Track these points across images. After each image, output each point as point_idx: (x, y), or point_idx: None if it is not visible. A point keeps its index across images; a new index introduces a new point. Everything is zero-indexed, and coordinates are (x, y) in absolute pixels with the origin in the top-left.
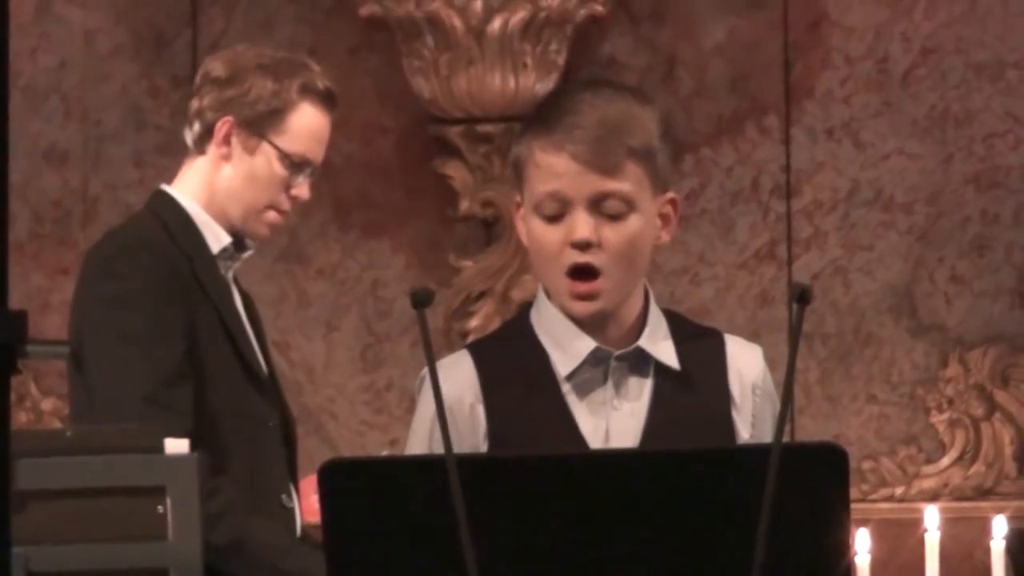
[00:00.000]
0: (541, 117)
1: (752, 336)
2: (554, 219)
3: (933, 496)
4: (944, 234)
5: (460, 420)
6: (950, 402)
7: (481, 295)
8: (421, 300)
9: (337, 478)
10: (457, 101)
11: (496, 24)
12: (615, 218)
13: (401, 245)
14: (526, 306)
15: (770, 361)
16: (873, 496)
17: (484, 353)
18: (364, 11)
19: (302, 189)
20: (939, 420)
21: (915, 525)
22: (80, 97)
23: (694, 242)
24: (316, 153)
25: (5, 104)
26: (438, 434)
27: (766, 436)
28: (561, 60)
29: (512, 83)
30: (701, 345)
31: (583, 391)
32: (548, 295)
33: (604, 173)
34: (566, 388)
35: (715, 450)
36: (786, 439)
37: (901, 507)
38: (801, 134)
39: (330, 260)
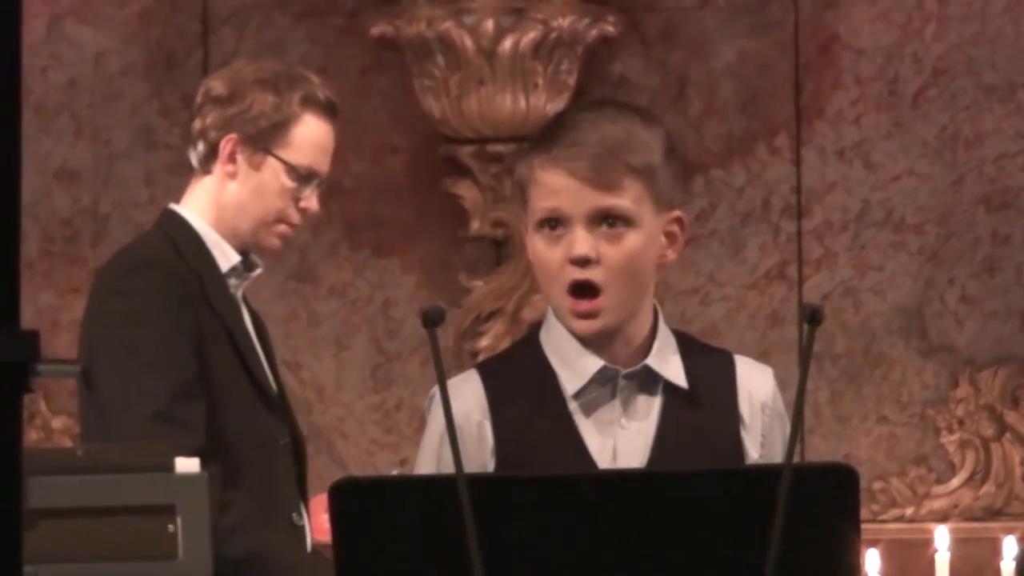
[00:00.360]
0: (543, 136)
1: (762, 356)
2: (554, 236)
3: (943, 517)
4: (954, 255)
5: (467, 437)
6: (960, 423)
7: (491, 315)
8: (432, 319)
9: (348, 497)
10: (468, 121)
11: (507, 44)
12: (614, 235)
13: (411, 265)
14: (536, 326)
15: (780, 381)
16: (883, 516)
17: (492, 372)
18: (375, 31)
19: (311, 201)
20: (949, 440)
21: (925, 546)
22: (91, 116)
23: (704, 262)
24: (321, 164)
25: (18, 123)
26: (446, 452)
27: (776, 456)
28: (572, 80)
29: (523, 103)
30: (711, 365)
31: (591, 409)
32: (556, 314)
33: (602, 189)
34: (573, 407)
35: (726, 470)
36: (796, 459)
37: (911, 527)
38: (812, 155)
39: (340, 279)
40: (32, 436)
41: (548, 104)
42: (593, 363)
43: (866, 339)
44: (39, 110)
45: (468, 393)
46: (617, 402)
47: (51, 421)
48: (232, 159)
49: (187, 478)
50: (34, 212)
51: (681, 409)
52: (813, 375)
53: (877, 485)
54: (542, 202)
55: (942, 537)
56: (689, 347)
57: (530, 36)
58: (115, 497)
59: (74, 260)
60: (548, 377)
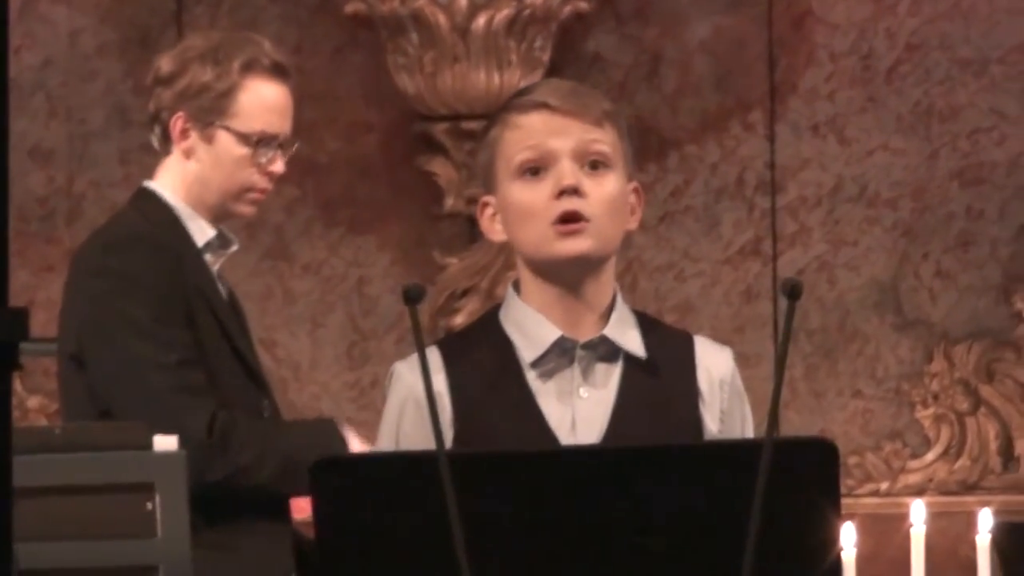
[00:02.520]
0: (508, 101)
1: (737, 332)
2: (536, 181)
3: (918, 491)
4: (929, 229)
5: (426, 410)
6: (935, 397)
7: (466, 292)
8: (413, 296)
9: (328, 475)
10: (442, 98)
11: (481, 21)
12: (598, 175)
13: (386, 242)
14: (495, 305)
15: (755, 356)
16: (859, 491)
17: (451, 346)
18: (349, 9)
19: (276, 163)
20: (924, 415)
21: (901, 520)
22: (65, 95)
23: (679, 238)
24: (276, 125)
25: (5, 102)
26: (405, 426)
27: (735, 434)
28: (546, 57)
29: (497, 80)
30: (670, 341)
31: (549, 379)
32: (517, 290)
33: (587, 122)
34: (532, 376)
35: (707, 445)
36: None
37: (887, 502)
38: (786, 130)
39: (315, 257)
40: None
41: (522, 81)
42: (551, 332)
43: (841, 314)
44: (13, 90)
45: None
46: (576, 372)
47: (26, 400)
48: (185, 136)
49: (165, 456)
50: (9, 191)
51: (640, 380)
52: (789, 350)
53: (852, 460)
54: (523, 143)
55: (918, 511)
56: (648, 324)
57: (504, 13)
58: (93, 475)
59: (49, 239)
60: (506, 349)
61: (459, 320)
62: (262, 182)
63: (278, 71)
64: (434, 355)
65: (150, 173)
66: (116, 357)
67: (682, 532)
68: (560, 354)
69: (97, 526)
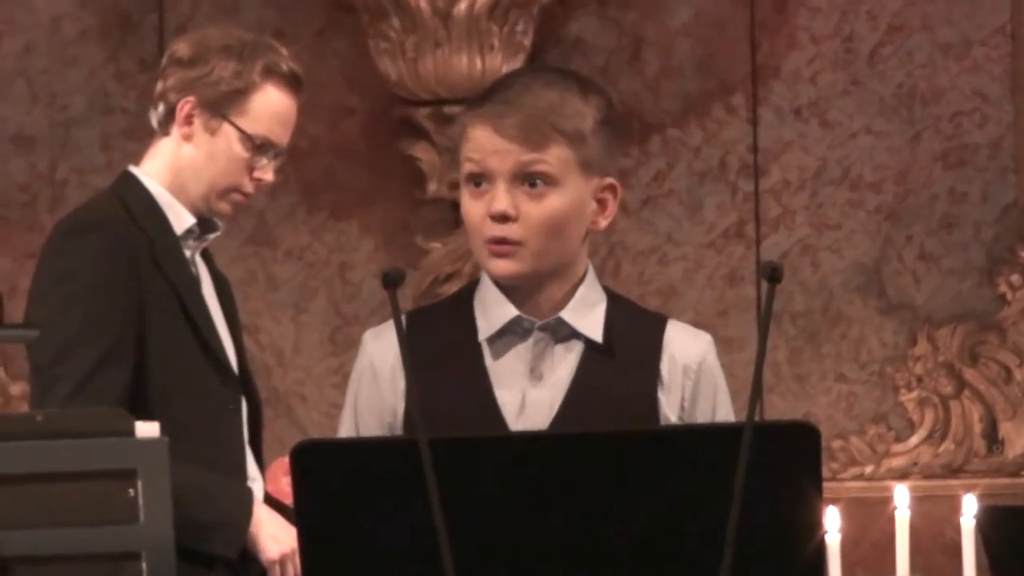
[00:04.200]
0: (480, 96)
1: (720, 316)
2: (479, 192)
3: (903, 475)
4: (912, 212)
5: (382, 381)
6: (919, 380)
7: (449, 277)
8: (392, 280)
9: (309, 459)
10: (424, 83)
11: (463, 6)
12: (536, 194)
13: (369, 227)
14: (474, 282)
15: (739, 340)
16: (843, 475)
17: (417, 318)
18: None
19: (266, 172)
20: (908, 398)
21: (885, 503)
22: (47, 82)
23: (662, 222)
24: (279, 135)
25: None
26: (362, 394)
27: (701, 419)
28: (528, 41)
29: (479, 64)
30: (638, 326)
31: (503, 360)
32: (480, 265)
33: (525, 147)
34: (487, 357)
35: (688, 428)
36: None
37: (871, 486)
38: (768, 114)
39: (298, 242)
40: None
41: (504, 65)
42: (508, 311)
43: (824, 297)
44: None
45: (389, 339)
46: (531, 354)
47: (9, 387)
48: (189, 121)
49: (148, 442)
50: None
51: (596, 365)
52: (772, 334)
53: (836, 443)
54: (469, 156)
55: (902, 495)
56: (621, 308)
57: None
58: (75, 462)
59: (31, 226)
60: (468, 327)
61: None
62: (248, 187)
63: (295, 83)
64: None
65: (132, 159)
66: (44, 343)
67: (664, 517)
68: (518, 335)
69: (79, 513)
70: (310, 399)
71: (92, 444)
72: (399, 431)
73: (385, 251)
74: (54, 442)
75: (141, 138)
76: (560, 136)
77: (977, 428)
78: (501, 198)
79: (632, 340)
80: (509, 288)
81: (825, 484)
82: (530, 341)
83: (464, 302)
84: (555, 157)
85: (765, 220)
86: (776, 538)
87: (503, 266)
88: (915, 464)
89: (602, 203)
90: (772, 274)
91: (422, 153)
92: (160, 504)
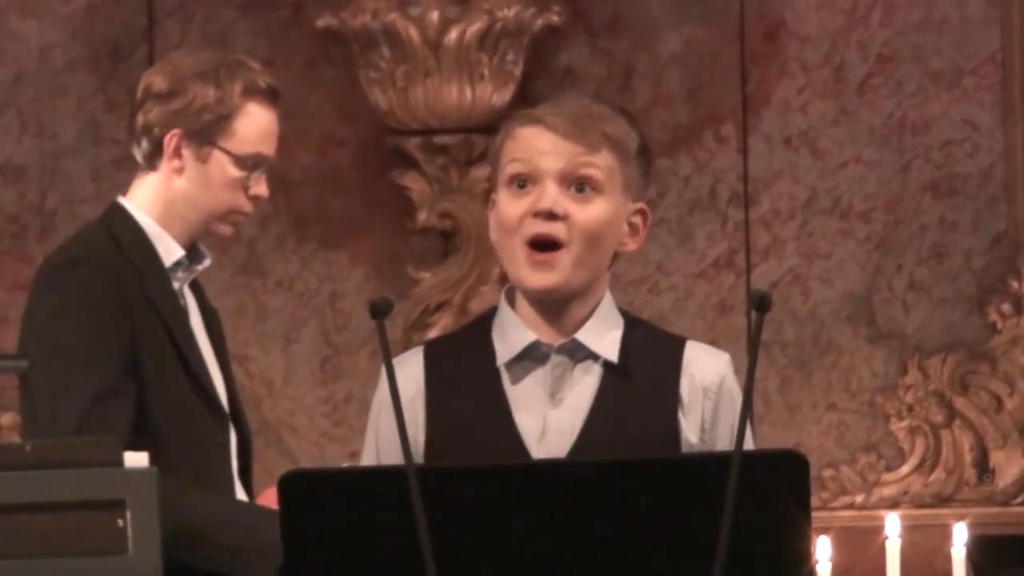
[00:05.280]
0: (522, 109)
1: (711, 345)
2: (521, 193)
3: (893, 504)
4: (902, 241)
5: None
6: (910, 409)
7: (439, 306)
8: (380, 310)
9: (297, 489)
10: (414, 113)
11: (452, 35)
12: (584, 198)
13: (359, 257)
14: (491, 308)
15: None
16: (833, 504)
17: (436, 349)
18: (320, 23)
19: (260, 187)
20: (899, 427)
21: (876, 533)
22: (36, 112)
23: (652, 251)
24: (268, 148)
25: None
26: (382, 426)
27: (720, 441)
28: (518, 71)
29: (469, 94)
30: (657, 347)
31: (523, 385)
32: (510, 295)
33: (580, 146)
34: (506, 382)
35: (675, 458)
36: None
37: (862, 515)
38: (758, 143)
39: (288, 272)
40: None
41: (494, 95)
42: (525, 336)
43: (815, 327)
44: None
45: (408, 370)
46: (550, 378)
47: None
48: (178, 154)
49: (137, 473)
50: None
51: (617, 387)
52: (762, 363)
53: (827, 472)
54: (516, 155)
55: (893, 524)
56: (639, 330)
57: (475, 27)
58: (64, 492)
59: (21, 256)
60: (487, 353)
61: (432, 335)
62: (247, 205)
63: (272, 95)
64: (417, 356)
65: (122, 189)
66: (40, 379)
67: (652, 546)
68: (537, 359)
69: (68, 543)
70: (300, 429)
71: (80, 474)
72: (421, 460)
73: (376, 281)
74: (43, 472)
75: (131, 168)
76: (610, 143)
77: (968, 457)
78: (550, 195)
79: (650, 361)
80: (526, 311)
81: (816, 513)
82: (548, 366)
83: (482, 329)
84: (605, 163)
85: (755, 249)
86: (765, 567)
87: (541, 279)
88: (906, 493)
89: (633, 227)
90: (760, 303)
91: (412, 183)
92: (148, 535)
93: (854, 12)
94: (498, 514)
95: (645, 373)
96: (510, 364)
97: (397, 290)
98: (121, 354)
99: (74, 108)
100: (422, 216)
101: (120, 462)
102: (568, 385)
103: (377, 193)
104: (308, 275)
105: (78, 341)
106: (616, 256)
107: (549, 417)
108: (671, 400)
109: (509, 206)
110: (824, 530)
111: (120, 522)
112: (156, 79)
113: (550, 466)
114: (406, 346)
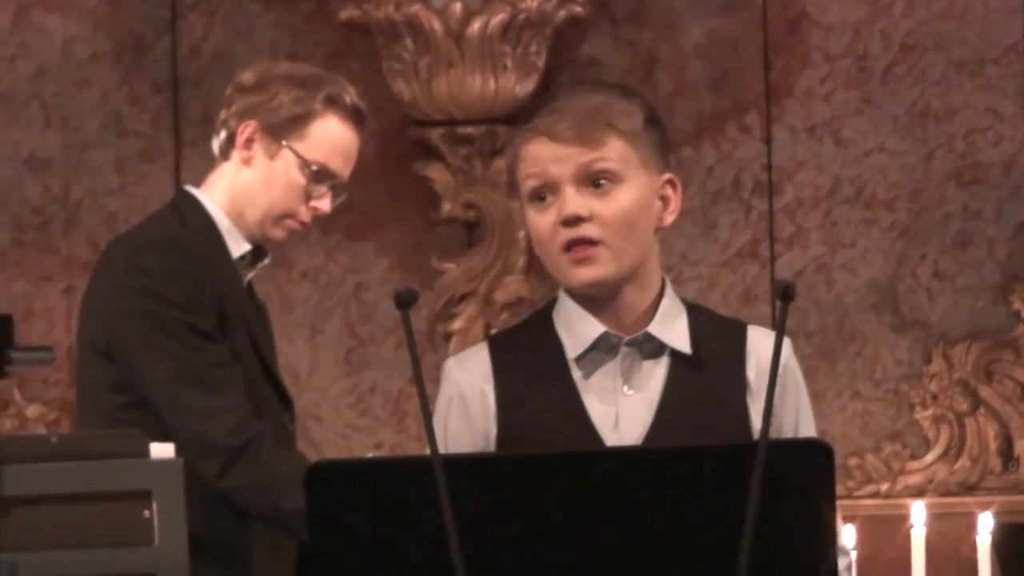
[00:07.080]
0: (526, 118)
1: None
2: (545, 206)
3: (918, 492)
4: (926, 230)
5: (472, 406)
6: (934, 398)
7: (464, 297)
8: (405, 301)
9: (324, 480)
10: (437, 104)
11: (476, 26)
12: (604, 192)
13: (384, 248)
14: (551, 301)
15: None
16: (859, 493)
17: (500, 342)
18: (343, 15)
19: (323, 201)
20: (923, 416)
21: (901, 521)
22: (60, 105)
23: (676, 241)
24: (338, 165)
25: None
26: (452, 422)
27: (787, 424)
28: (541, 62)
29: (492, 85)
30: (721, 333)
31: (594, 377)
32: (558, 280)
33: (584, 146)
34: (576, 374)
35: (701, 447)
36: (771, 436)
37: (887, 503)
38: (782, 132)
39: (313, 264)
40: (5, 424)
41: (517, 86)
42: (594, 329)
43: (839, 315)
44: (8, 100)
45: (474, 364)
46: (620, 369)
47: (25, 410)
48: (249, 145)
49: (163, 464)
50: (5, 201)
51: (685, 377)
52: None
53: (852, 461)
54: (530, 172)
55: (918, 512)
56: (700, 317)
57: (498, 18)
58: (90, 483)
59: (46, 248)
60: (554, 346)
61: (457, 325)
62: (305, 215)
63: (357, 116)
64: (483, 352)
65: (146, 181)
66: (147, 357)
67: (679, 535)
68: (605, 351)
69: (94, 534)
70: (326, 420)
71: (107, 465)
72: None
73: (400, 272)
74: (69, 464)
75: (154, 160)
76: (615, 132)
77: (992, 445)
78: (570, 201)
79: (717, 348)
80: (589, 303)
81: (841, 502)
82: (618, 357)
83: (545, 322)
84: (615, 152)
85: (779, 239)
86: (790, 557)
87: (585, 273)
88: (930, 482)
89: (665, 200)
90: (785, 292)
91: (436, 174)
92: (175, 525)
93: (877, 2)
94: (524, 503)
95: (712, 360)
96: (579, 356)
97: (421, 281)
98: (216, 330)
99: (97, 101)
100: (446, 207)
101: (146, 453)
102: (638, 375)
103: (401, 184)
104: (333, 266)
105: (180, 316)
106: (657, 231)
107: (621, 407)
108: (739, 385)
109: (537, 221)
110: (850, 519)
111: (146, 513)
112: (247, 75)
113: (574, 456)
114: (431, 337)
